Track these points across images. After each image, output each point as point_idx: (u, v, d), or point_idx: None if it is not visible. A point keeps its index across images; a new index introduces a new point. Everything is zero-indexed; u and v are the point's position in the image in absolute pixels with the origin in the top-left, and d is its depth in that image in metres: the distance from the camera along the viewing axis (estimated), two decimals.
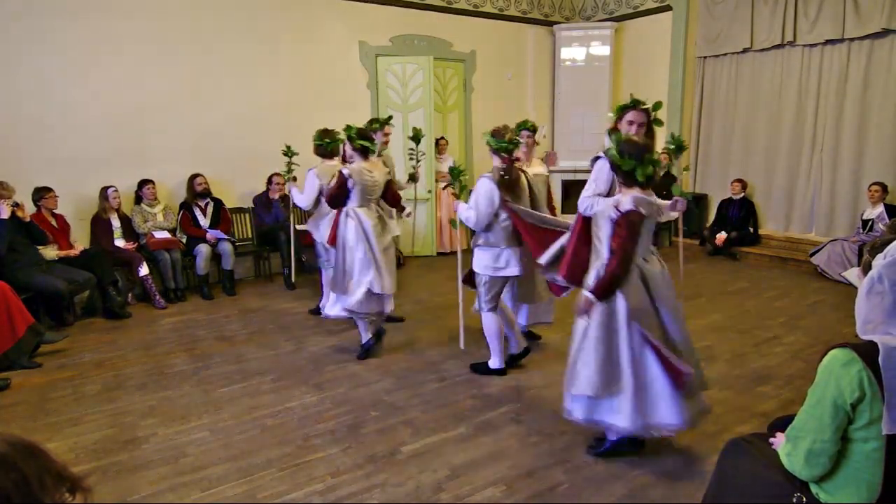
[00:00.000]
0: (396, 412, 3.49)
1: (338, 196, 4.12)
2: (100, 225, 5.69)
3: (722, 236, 7.44)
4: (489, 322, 3.87)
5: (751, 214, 7.56)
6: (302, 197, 4.99)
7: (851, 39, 6.58)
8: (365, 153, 4.15)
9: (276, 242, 6.32)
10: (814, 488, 1.77)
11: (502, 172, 3.66)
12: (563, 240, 3.33)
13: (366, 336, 4.28)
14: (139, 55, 5.93)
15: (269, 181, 6.51)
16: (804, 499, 1.76)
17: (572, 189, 8.29)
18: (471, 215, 3.69)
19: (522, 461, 2.96)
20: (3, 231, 4.54)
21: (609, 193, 3.04)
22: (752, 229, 7.54)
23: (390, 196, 4.43)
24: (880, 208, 6.26)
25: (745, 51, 7.51)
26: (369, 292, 4.09)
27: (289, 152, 5.57)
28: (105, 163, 5.83)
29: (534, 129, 4.50)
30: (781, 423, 2.07)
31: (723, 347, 4.44)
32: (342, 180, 4.07)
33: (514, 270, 3.75)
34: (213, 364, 4.26)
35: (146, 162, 6.04)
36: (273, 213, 6.44)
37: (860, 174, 6.70)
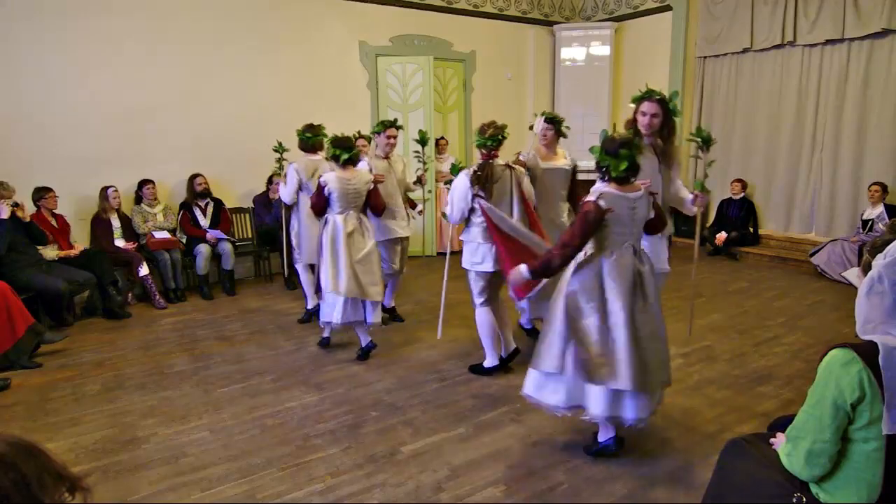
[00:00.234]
0: (396, 412, 3.49)
1: (316, 204, 4.18)
2: (100, 225, 5.69)
3: (722, 236, 7.45)
4: (479, 317, 3.92)
5: (751, 214, 7.56)
6: (284, 191, 5.03)
7: (851, 39, 6.58)
8: (336, 161, 4.16)
9: (276, 242, 6.32)
10: (814, 488, 1.77)
11: (476, 168, 3.71)
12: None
13: (365, 339, 4.29)
14: (140, 55, 5.93)
15: (269, 181, 6.50)
16: (804, 499, 1.76)
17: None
18: (448, 210, 3.83)
19: (522, 461, 2.96)
20: (3, 231, 4.54)
21: None
22: (752, 229, 7.54)
23: (373, 203, 4.32)
24: (880, 208, 6.26)
25: (745, 51, 7.51)
26: (345, 303, 4.11)
27: (279, 149, 5.59)
28: (105, 163, 5.83)
29: (552, 121, 4.35)
30: (781, 423, 2.07)
31: (723, 347, 4.44)
32: (319, 188, 4.12)
33: (489, 266, 3.78)
34: (213, 364, 4.26)
35: (146, 162, 6.04)
36: (273, 213, 6.43)
37: (860, 174, 6.70)
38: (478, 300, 3.90)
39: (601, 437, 2.98)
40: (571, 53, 8.60)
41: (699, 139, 3.40)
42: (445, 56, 7.91)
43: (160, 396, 3.74)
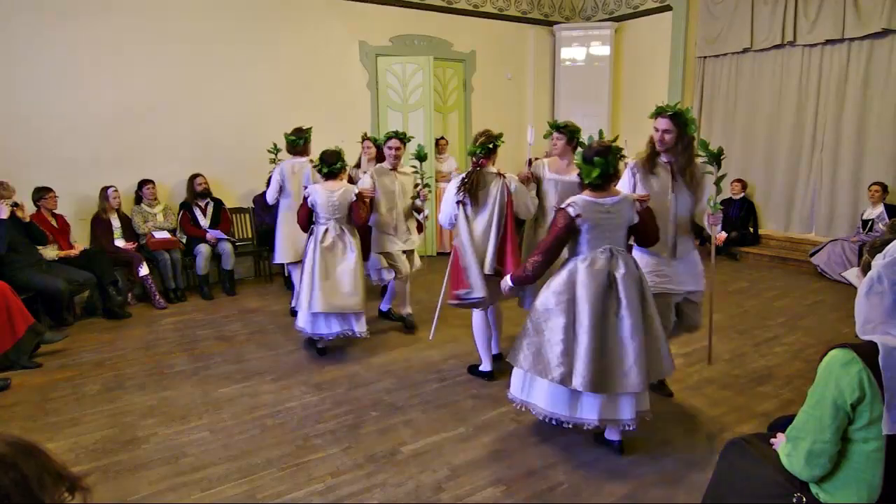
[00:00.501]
0: (396, 412, 3.49)
1: (300, 214, 4.34)
2: (100, 225, 5.68)
3: (722, 236, 7.42)
4: (473, 321, 3.94)
5: (751, 214, 7.57)
6: (268, 191, 5.24)
7: (851, 39, 6.58)
8: (319, 172, 4.30)
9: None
10: (814, 489, 1.77)
11: (464, 176, 3.79)
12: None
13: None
14: (139, 55, 5.93)
15: (270, 181, 6.49)
16: (804, 499, 1.76)
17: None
18: (440, 215, 3.96)
19: (522, 461, 2.96)
20: (2, 231, 4.54)
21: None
22: (752, 229, 7.55)
23: (354, 216, 4.27)
24: (880, 208, 6.26)
25: (745, 51, 7.51)
26: (314, 316, 4.19)
27: (273, 150, 5.70)
28: (105, 163, 5.83)
29: (561, 129, 4.01)
30: (781, 423, 2.07)
31: (723, 347, 4.44)
32: (303, 199, 4.28)
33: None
34: (213, 364, 4.26)
35: (146, 162, 6.04)
36: (273, 213, 6.41)
37: (860, 174, 6.70)
38: None
39: (608, 435, 3.02)
40: (571, 53, 8.60)
41: (708, 155, 3.28)
42: (445, 56, 7.91)
43: (160, 396, 3.74)
